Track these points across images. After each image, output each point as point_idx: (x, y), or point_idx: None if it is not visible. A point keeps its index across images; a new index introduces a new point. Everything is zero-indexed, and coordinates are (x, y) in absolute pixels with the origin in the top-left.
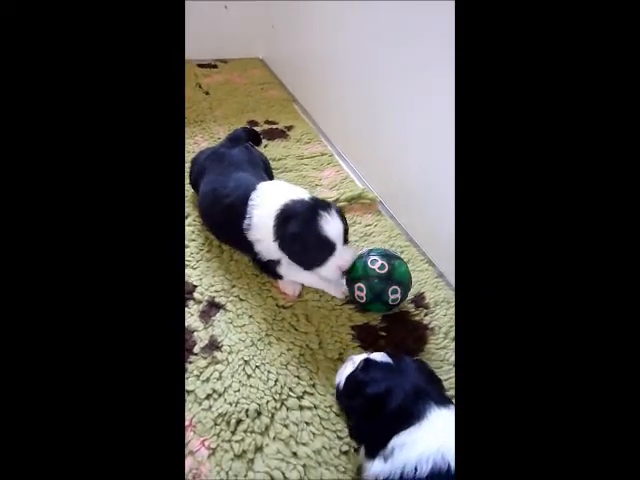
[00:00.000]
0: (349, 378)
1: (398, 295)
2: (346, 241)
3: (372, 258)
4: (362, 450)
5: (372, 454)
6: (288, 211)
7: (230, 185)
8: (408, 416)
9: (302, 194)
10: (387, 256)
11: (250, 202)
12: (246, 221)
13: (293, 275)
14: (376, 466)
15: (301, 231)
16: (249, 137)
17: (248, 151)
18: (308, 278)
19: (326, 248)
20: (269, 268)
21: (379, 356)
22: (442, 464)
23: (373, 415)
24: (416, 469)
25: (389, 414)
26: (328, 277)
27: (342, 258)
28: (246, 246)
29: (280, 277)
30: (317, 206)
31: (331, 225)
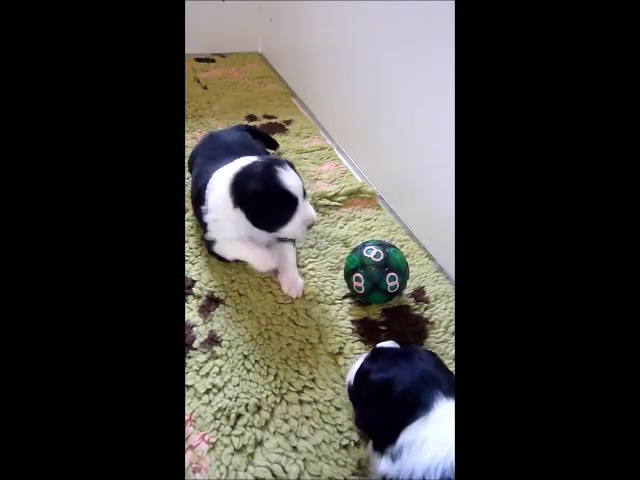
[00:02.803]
0: (358, 371)
1: (396, 282)
2: (305, 195)
3: (367, 248)
4: (370, 444)
5: (380, 448)
6: (242, 174)
7: (209, 169)
8: (415, 404)
9: (250, 158)
10: (382, 245)
11: (206, 190)
12: (204, 206)
13: (229, 251)
14: (384, 464)
15: (261, 189)
16: (255, 135)
17: (245, 135)
18: (240, 251)
19: (289, 203)
20: (208, 248)
21: (388, 344)
22: (450, 473)
23: (379, 403)
24: (424, 478)
25: (395, 400)
26: (294, 235)
27: (305, 213)
28: (203, 227)
29: (216, 256)
30: (271, 163)
31: (290, 178)
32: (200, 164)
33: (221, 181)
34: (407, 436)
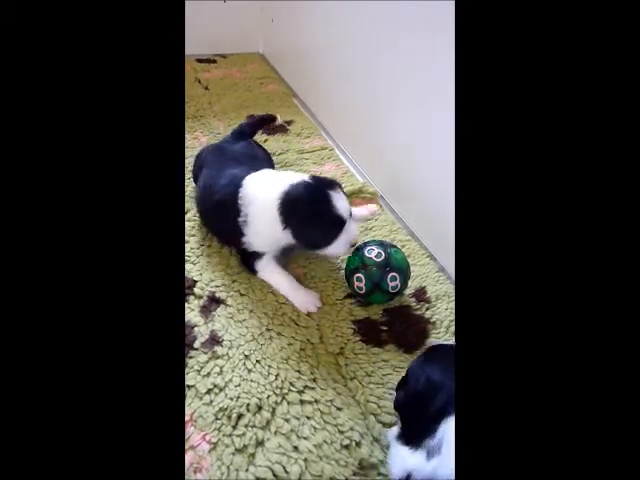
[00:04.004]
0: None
1: (397, 282)
2: (350, 215)
3: (368, 248)
4: (394, 430)
5: (412, 438)
6: (293, 195)
7: (221, 182)
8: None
9: (298, 177)
10: (383, 245)
11: (240, 200)
12: (241, 218)
13: (268, 275)
14: (415, 460)
15: (315, 213)
16: (255, 129)
17: (250, 146)
18: (281, 281)
19: (338, 225)
20: (249, 260)
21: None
22: None
23: (421, 384)
24: None
25: (439, 383)
26: (337, 253)
27: (350, 232)
28: (235, 238)
29: (255, 272)
30: (324, 186)
31: (342, 203)
32: (211, 174)
33: (262, 193)
34: (451, 427)
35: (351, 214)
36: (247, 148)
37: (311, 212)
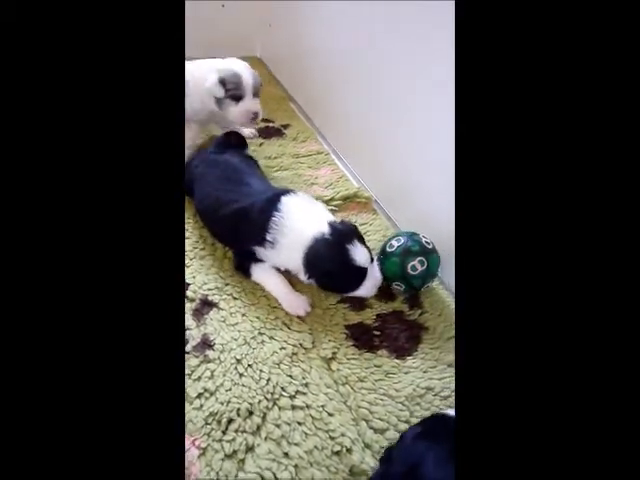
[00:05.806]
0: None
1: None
2: (372, 260)
3: (411, 264)
4: None
5: None
6: (313, 254)
7: (240, 190)
8: None
9: (323, 225)
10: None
11: (274, 219)
12: (268, 236)
13: (263, 277)
14: None
15: (335, 270)
16: (236, 142)
17: (238, 154)
18: (275, 284)
19: (360, 275)
20: (245, 262)
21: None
22: None
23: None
24: None
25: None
26: (364, 296)
27: (374, 277)
28: (245, 243)
29: (249, 275)
30: (343, 241)
31: (360, 255)
32: (218, 181)
33: (295, 234)
34: None
35: (372, 259)
36: (236, 157)
37: (331, 269)
